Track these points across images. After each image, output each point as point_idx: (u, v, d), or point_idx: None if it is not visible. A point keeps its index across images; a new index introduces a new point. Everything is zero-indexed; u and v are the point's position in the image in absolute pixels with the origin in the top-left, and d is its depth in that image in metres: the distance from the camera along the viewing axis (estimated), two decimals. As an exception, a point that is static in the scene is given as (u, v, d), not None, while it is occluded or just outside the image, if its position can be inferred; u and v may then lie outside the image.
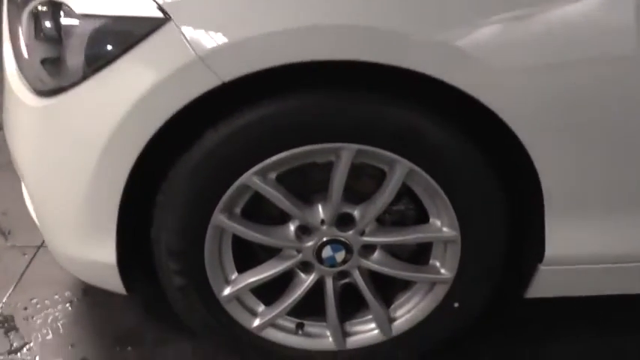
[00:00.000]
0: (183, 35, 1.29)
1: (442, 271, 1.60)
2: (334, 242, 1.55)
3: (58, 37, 1.41)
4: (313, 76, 1.35)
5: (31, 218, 1.70)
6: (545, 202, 1.46)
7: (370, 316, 1.68)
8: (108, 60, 1.35)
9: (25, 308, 2.00)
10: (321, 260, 1.57)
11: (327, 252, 1.56)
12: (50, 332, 1.93)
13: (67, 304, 2.01)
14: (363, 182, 1.56)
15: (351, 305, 1.70)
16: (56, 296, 2.03)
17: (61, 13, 1.39)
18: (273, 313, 1.64)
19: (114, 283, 1.61)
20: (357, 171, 1.51)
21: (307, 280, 1.62)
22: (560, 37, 1.31)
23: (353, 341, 1.70)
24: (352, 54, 1.30)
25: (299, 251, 1.57)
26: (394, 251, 1.64)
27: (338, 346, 1.70)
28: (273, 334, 1.69)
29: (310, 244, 1.55)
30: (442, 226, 1.53)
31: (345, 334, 1.70)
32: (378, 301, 1.64)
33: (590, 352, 1.83)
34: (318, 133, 1.39)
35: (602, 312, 1.92)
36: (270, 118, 1.37)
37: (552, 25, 1.30)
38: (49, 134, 1.47)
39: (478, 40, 1.30)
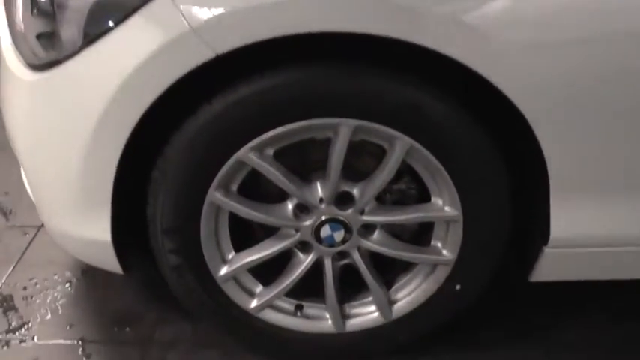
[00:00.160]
0: (177, 7, 1.26)
1: (444, 252, 1.56)
2: (333, 221, 1.51)
3: (52, 11, 1.39)
4: (310, 49, 1.32)
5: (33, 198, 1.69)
6: (551, 183, 1.42)
7: (370, 298, 1.65)
8: (101, 32, 1.33)
9: (25, 288, 1.99)
10: (319, 240, 1.54)
11: (325, 231, 1.52)
12: (49, 312, 1.92)
13: (67, 284, 2.00)
14: (364, 160, 1.52)
15: (350, 287, 1.67)
16: (56, 276, 2.03)
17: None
18: (271, 294, 1.61)
19: (110, 261, 1.59)
20: (357, 149, 1.47)
21: (306, 261, 1.58)
22: (569, 14, 1.27)
23: (353, 324, 1.67)
24: (351, 26, 1.26)
25: (297, 230, 1.54)
26: (395, 232, 1.61)
27: (337, 329, 1.67)
28: (272, 316, 1.66)
29: (308, 223, 1.52)
30: (444, 205, 1.49)
31: (345, 317, 1.67)
32: (378, 283, 1.61)
33: (600, 337, 1.80)
34: (315, 108, 1.36)
35: (616, 296, 1.89)
36: (266, 92, 1.34)
37: (560, 1, 1.26)
38: (42, 108, 1.44)
39: (485, 14, 1.25)
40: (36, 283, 2.00)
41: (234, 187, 1.49)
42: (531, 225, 1.55)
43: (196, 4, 1.26)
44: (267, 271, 1.63)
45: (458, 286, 1.59)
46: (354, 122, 1.37)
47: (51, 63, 1.39)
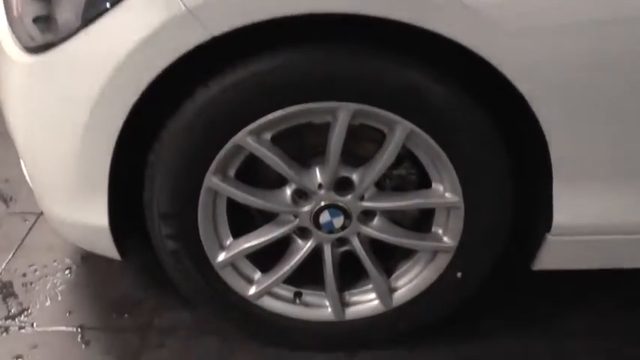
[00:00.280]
0: (173, -14, 1.24)
1: (445, 239, 1.54)
2: (332, 207, 1.49)
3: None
4: (308, 31, 1.29)
5: (33, 185, 1.68)
6: (554, 170, 1.40)
7: (370, 286, 1.63)
8: (97, 14, 1.31)
9: (24, 274, 1.99)
10: (318, 226, 1.52)
11: (324, 217, 1.50)
12: (48, 299, 1.91)
13: (66, 271, 1.99)
14: (363, 146, 1.50)
15: (350, 275, 1.65)
16: (55, 263, 2.02)
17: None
18: (270, 281, 1.59)
19: (107, 247, 1.57)
20: (356, 134, 1.45)
21: (305, 247, 1.56)
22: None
23: (352, 312, 1.65)
24: (349, 7, 1.24)
25: (296, 216, 1.52)
26: (395, 218, 1.59)
27: (337, 317, 1.65)
28: (270, 303, 1.64)
29: (307, 208, 1.50)
30: (445, 191, 1.47)
31: (345, 305, 1.65)
32: (378, 270, 1.59)
33: (604, 325, 1.78)
34: (313, 91, 1.33)
35: (620, 284, 1.88)
36: (264, 74, 1.32)
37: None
38: (39, 91, 1.42)
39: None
40: (35, 270, 2.00)
41: (232, 172, 1.47)
42: (534, 212, 1.52)
43: (192, -16, 1.24)
44: (266, 258, 1.62)
45: (459, 274, 1.57)
46: (353, 106, 1.34)
47: (47, 45, 1.38)
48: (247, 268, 1.61)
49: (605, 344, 1.73)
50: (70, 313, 1.86)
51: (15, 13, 1.46)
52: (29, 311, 1.87)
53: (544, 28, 1.26)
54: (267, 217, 1.58)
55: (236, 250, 1.55)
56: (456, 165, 1.41)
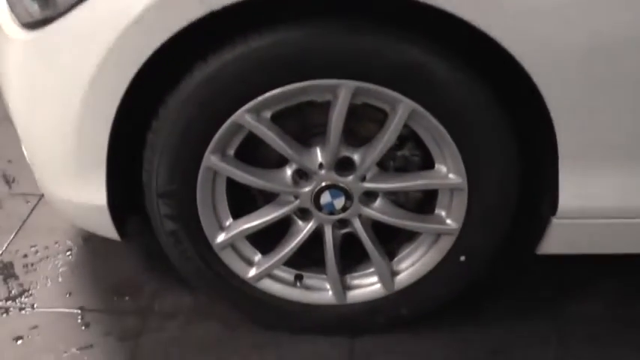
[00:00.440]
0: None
1: (448, 221, 1.51)
2: (333, 188, 1.47)
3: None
4: (307, 7, 1.27)
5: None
6: (560, 150, 1.37)
7: (372, 269, 1.61)
8: (95, -13, 1.29)
9: (25, 255, 1.98)
10: (319, 207, 1.49)
11: (325, 198, 1.48)
12: (49, 280, 1.90)
13: (67, 253, 1.98)
14: (366, 126, 1.48)
15: (352, 257, 1.63)
16: (57, 244, 2.01)
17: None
18: (270, 263, 1.57)
19: (106, 227, 1.56)
20: (358, 114, 1.43)
21: (305, 229, 1.54)
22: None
23: (354, 295, 1.63)
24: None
25: (296, 197, 1.50)
26: (398, 200, 1.56)
27: (338, 300, 1.63)
28: (271, 286, 1.62)
29: (308, 189, 1.48)
30: (448, 172, 1.44)
31: (346, 288, 1.63)
32: (380, 253, 1.56)
33: (609, 310, 1.75)
34: (313, 68, 1.31)
35: (626, 269, 1.84)
36: (263, 50, 1.29)
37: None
38: (36, 68, 1.41)
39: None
40: (37, 251, 1.98)
41: (232, 151, 1.45)
42: (539, 195, 1.49)
43: (191, -42, 1.22)
44: (267, 240, 1.59)
45: (462, 258, 1.54)
46: (353, 83, 1.32)
47: (45, 20, 1.36)
48: (247, 249, 1.59)
49: (611, 330, 1.70)
50: (70, 294, 1.85)
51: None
52: (30, 292, 1.86)
53: (551, 4, 1.22)
54: (267, 198, 1.56)
55: (236, 231, 1.53)
56: (460, 145, 1.38)
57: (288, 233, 1.57)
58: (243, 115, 1.36)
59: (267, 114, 1.38)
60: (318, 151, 1.45)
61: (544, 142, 1.39)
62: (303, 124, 1.47)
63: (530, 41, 1.25)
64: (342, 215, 1.51)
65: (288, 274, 1.63)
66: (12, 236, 2.04)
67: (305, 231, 1.54)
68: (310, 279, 1.64)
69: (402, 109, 1.35)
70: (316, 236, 1.56)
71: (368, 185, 1.48)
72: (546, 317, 1.73)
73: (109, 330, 1.75)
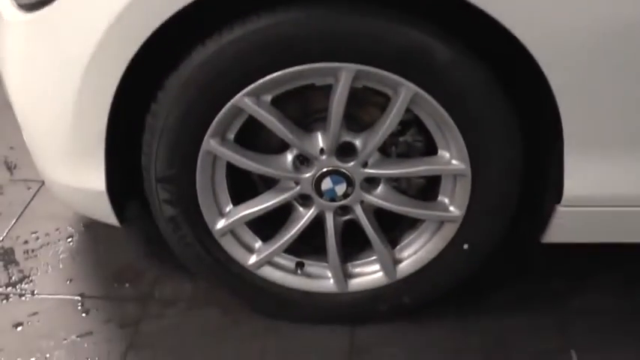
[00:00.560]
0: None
1: (451, 208, 1.49)
2: (334, 174, 1.45)
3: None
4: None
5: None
6: (565, 138, 1.34)
7: (374, 257, 1.59)
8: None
9: (26, 242, 1.97)
10: (320, 193, 1.47)
11: (326, 184, 1.46)
12: (49, 266, 1.89)
13: (68, 239, 1.97)
14: (367, 111, 1.46)
15: (354, 245, 1.61)
16: (57, 231, 2.00)
17: None
18: (270, 250, 1.55)
19: (105, 212, 1.55)
20: (360, 98, 1.40)
21: (306, 215, 1.52)
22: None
23: (355, 283, 1.61)
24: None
25: (297, 183, 1.48)
26: (400, 187, 1.54)
27: (339, 288, 1.61)
28: (271, 273, 1.60)
29: (309, 175, 1.45)
30: (451, 158, 1.42)
31: (347, 276, 1.61)
32: (382, 241, 1.54)
33: (614, 303, 1.73)
34: (313, 50, 1.28)
35: (631, 260, 1.82)
36: (262, 32, 1.27)
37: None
38: (34, 50, 1.40)
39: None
40: (37, 238, 1.98)
41: (232, 136, 1.43)
42: (544, 182, 1.47)
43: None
44: (268, 227, 1.58)
45: (466, 246, 1.52)
46: (354, 67, 1.29)
47: (43, 2, 1.35)
48: (247, 236, 1.57)
49: (616, 322, 1.68)
50: (70, 281, 1.84)
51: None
52: (30, 279, 1.85)
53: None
54: (268, 184, 1.54)
55: (236, 217, 1.51)
56: (463, 130, 1.36)
57: (288, 220, 1.55)
58: (242, 99, 1.34)
59: (267, 98, 1.36)
60: (319, 136, 1.43)
61: (549, 128, 1.37)
62: (304, 108, 1.45)
63: (537, 26, 1.22)
64: (343, 202, 1.49)
65: (289, 262, 1.61)
66: (13, 222, 2.03)
67: (306, 218, 1.52)
68: (311, 267, 1.62)
69: (404, 92, 1.32)
70: (317, 223, 1.54)
71: (370, 171, 1.45)
72: (549, 308, 1.71)
73: (109, 317, 1.74)
